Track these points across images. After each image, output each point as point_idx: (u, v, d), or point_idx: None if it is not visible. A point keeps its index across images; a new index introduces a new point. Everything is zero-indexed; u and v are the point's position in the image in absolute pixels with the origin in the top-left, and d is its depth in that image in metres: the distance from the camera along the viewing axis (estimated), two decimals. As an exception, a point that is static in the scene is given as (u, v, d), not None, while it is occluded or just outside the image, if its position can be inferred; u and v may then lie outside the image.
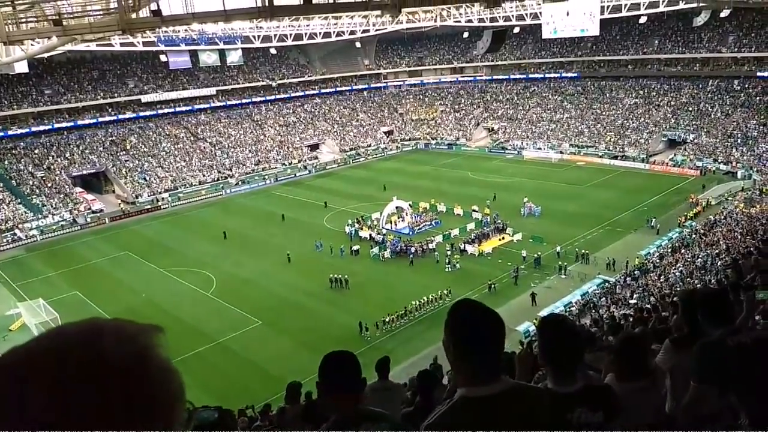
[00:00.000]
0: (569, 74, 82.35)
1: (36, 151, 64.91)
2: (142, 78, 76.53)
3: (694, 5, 55.64)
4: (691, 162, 59.54)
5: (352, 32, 68.67)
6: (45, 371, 0.78)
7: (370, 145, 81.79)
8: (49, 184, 60.87)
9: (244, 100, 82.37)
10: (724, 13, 62.98)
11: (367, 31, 69.34)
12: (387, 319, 30.95)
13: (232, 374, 27.56)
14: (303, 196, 60.41)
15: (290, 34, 65.63)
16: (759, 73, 64.97)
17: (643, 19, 69.95)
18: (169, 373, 0.89)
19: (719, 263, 28.51)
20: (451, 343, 1.93)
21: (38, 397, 0.76)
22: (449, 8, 63.81)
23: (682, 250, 35.66)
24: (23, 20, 19.82)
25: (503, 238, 42.62)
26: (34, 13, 19.43)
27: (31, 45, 32.56)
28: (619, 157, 64.84)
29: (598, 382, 3.35)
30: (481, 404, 1.86)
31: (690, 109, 68.06)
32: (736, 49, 68.05)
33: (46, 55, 48.89)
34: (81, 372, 0.79)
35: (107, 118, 71.17)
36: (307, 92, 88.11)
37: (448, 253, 39.57)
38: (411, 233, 45.14)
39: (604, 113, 74.19)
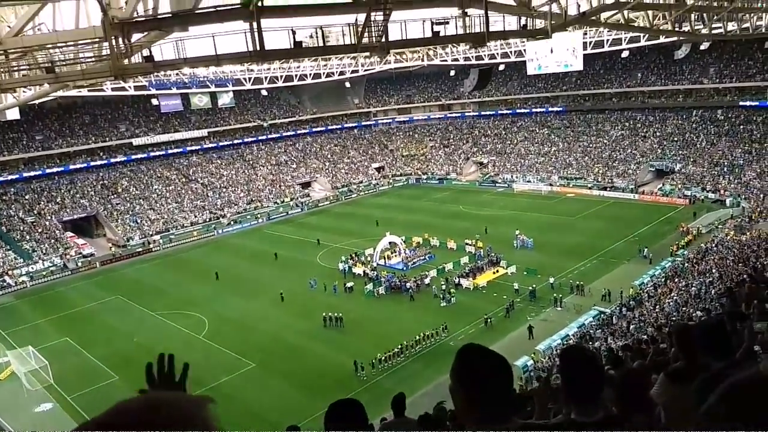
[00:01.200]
0: (555, 108, 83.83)
1: (26, 197, 64.72)
2: (134, 122, 77.10)
3: (674, 39, 57.16)
4: (679, 191, 60.18)
5: (342, 73, 69.88)
6: None
7: (361, 182, 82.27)
8: (40, 230, 60.51)
9: (235, 141, 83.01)
10: (704, 46, 64.79)
11: (357, 71, 70.61)
12: (382, 357, 30.56)
13: (225, 420, 26.86)
14: (296, 234, 60.32)
15: (281, 76, 66.67)
16: (741, 102, 66.39)
17: (625, 54, 71.76)
18: None
19: (713, 291, 28.54)
20: (458, 391, 1.91)
21: None
22: (436, 48, 65.21)
23: (676, 279, 35.68)
24: (15, 68, 19.98)
25: (497, 271, 42.57)
26: (26, 61, 19.60)
27: (23, 92, 32.83)
28: (608, 188, 65.49)
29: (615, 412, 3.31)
30: None
31: (676, 139, 69.20)
32: (717, 80, 69.71)
33: (37, 101, 49.24)
34: None
35: (98, 162, 71.36)
36: (298, 131, 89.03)
37: (443, 287, 39.42)
38: (405, 268, 45.03)
39: (591, 145, 75.25)
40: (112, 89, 57.01)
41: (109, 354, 34.87)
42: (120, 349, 35.58)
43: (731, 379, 3.04)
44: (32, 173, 66.45)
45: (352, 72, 70.71)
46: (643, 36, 58.04)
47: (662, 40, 60.28)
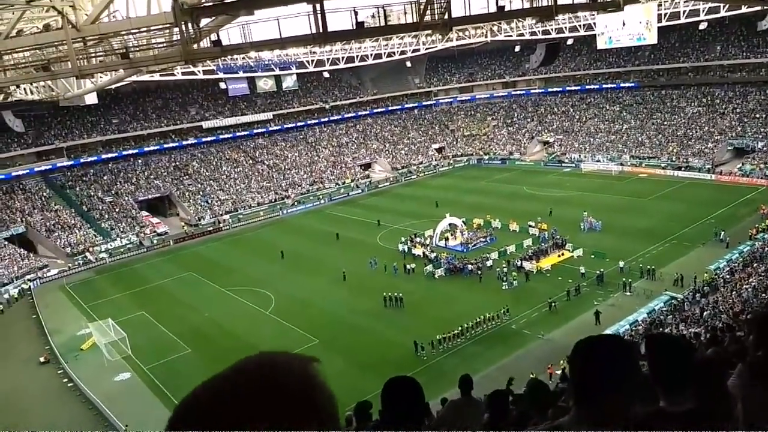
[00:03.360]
0: (627, 84, 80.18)
1: (105, 178, 68.41)
2: (203, 105, 79.70)
3: (758, 8, 53.21)
4: (760, 171, 56.50)
5: (403, 52, 69.29)
6: (237, 408, 0.93)
7: (421, 163, 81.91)
8: (117, 209, 63.91)
9: (299, 123, 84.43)
10: (792, 15, 59.96)
11: (418, 50, 69.81)
12: (442, 338, 30.60)
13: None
14: (356, 215, 60.96)
15: (342, 57, 66.88)
16: (834, 75, 61.33)
17: (703, 25, 67.36)
18: (331, 398, 1.03)
19: (798, 278, 26.84)
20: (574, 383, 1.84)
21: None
22: (500, 24, 63.50)
23: (755, 264, 33.73)
24: (92, 55, 20.95)
25: (563, 254, 41.53)
26: (102, 47, 20.51)
27: (100, 78, 34.49)
28: (683, 168, 62.33)
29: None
30: None
31: (757, 116, 64.81)
32: (806, 51, 64.57)
33: (113, 86, 51.64)
34: (270, 401, 0.94)
35: (171, 145, 74.41)
36: (359, 113, 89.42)
37: (505, 270, 38.89)
38: (465, 250, 44.69)
39: (665, 123, 71.66)
40: (183, 74, 58.89)
41: (182, 328, 36.65)
42: (192, 323, 37.32)
43: None
44: (109, 155, 70.13)
45: (413, 51, 69.95)
46: (723, 6, 54.31)
47: (744, 10, 56.23)
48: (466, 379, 6.05)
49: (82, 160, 68.45)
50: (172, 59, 19.19)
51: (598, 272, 36.58)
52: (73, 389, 31.40)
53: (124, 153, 71.37)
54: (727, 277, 33.25)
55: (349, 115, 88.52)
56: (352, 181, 75.68)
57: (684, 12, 57.12)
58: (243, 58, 62.49)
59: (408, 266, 42.20)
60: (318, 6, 14.68)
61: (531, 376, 19.45)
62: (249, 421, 0.91)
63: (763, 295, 26.69)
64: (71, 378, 32.25)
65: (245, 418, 0.91)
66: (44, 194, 63.72)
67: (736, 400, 3.35)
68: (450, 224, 47.56)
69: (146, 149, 72.69)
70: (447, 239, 46.69)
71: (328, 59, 66.89)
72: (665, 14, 56.75)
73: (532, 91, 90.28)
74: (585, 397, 1.79)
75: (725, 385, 3.30)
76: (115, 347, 34.29)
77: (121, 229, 60.72)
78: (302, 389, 0.98)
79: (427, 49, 70.42)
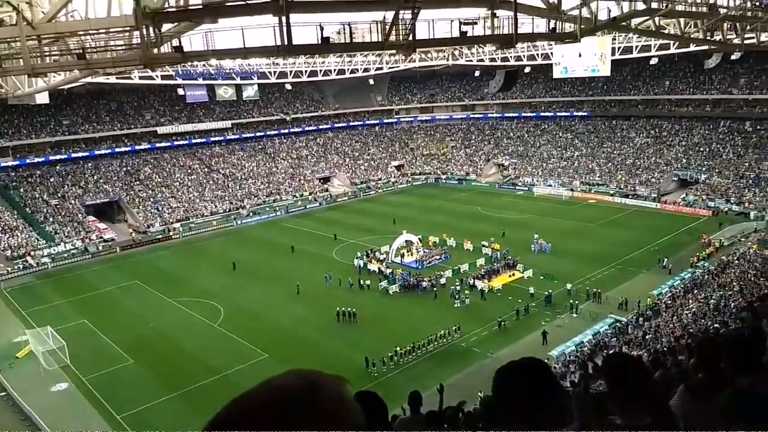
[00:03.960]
0: (580, 113, 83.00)
1: (51, 180, 65.90)
2: (159, 110, 78.02)
3: (705, 48, 56.15)
4: (703, 202, 59.27)
5: (366, 69, 69.84)
6: (277, 422, 0.96)
7: (380, 179, 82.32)
8: (63, 213, 61.57)
9: (258, 133, 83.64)
10: (735, 56, 63.44)
11: (381, 68, 70.50)
12: (393, 355, 30.61)
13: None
14: (313, 228, 60.60)
15: (305, 71, 66.89)
16: (771, 115, 65.05)
17: (654, 61, 70.54)
18: (360, 415, 1.07)
19: (733, 305, 28.09)
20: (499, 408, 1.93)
21: None
22: (462, 48, 64.88)
23: (695, 291, 35.19)
24: (47, 53, 20.34)
25: (513, 274, 42.34)
26: (58, 46, 19.94)
27: (54, 77, 33.42)
28: (630, 196, 64.71)
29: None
30: None
31: (701, 149, 68.12)
32: (747, 91, 68.44)
33: (66, 86, 50.07)
34: (313, 417, 0.97)
35: (123, 149, 72.43)
36: (320, 126, 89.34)
37: (458, 288, 39.32)
38: (420, 267, 45.01)
39: (615, 152, 74.41)
40: (140, 77, 57.65)
41: (124, 338, 35.43)
42: (136, 333, 36.13)
43: (733, 389, 3.00)
44: (58, 157, 67.66)
45: (377, 69, 70.62)
46: (674, 44, 57.10)
47: (693, 48, 59.17)
48: (416, 396, 6.05)
49: (28, 161, 65.85)
50: (131, 63, 18.82)
51: (546, 293, 37.43)
52: (5, 399, 29.83)
53: (74, 155, 69.00)
54: (669, 302, 34.54)
55: (310, 128, 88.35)
56: (310, 194, 75.31)
57: (636, 47, 59.73)
58: (204, 65, 61.66)
59: (363, 281, 42.15)
60: (284, 18, 14.70)
61: (479, 395, 19.64)
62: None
63: (702, 320, 27.84)
64: (4, 387, 30.64)
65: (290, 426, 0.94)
66: (-15, 194, 60.88)
67: (679, 418, 3.51)
68: (406, 241, 47.86)
69: (97, 152, 70.52)
70: (403, 255, 46.95)
71: (290, 71, 66.78)
72: (619, 48, 59.19)
73: (489, 115, 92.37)
74: (509, 419, 1.89)
75: (669, 405, 3.46)
76: (53, 356, 32.80)
77: (66, 234, 58.46)
78: (336, 405, 1.01)
79: (390, 68, 71.23)
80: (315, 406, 0.98)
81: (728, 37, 32.54)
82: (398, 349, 30.99)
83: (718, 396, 2.79)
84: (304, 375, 1.03)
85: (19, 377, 31.68)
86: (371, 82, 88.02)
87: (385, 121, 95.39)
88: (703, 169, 65.00)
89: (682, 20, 28.47)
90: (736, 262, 38.68)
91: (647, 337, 28.62)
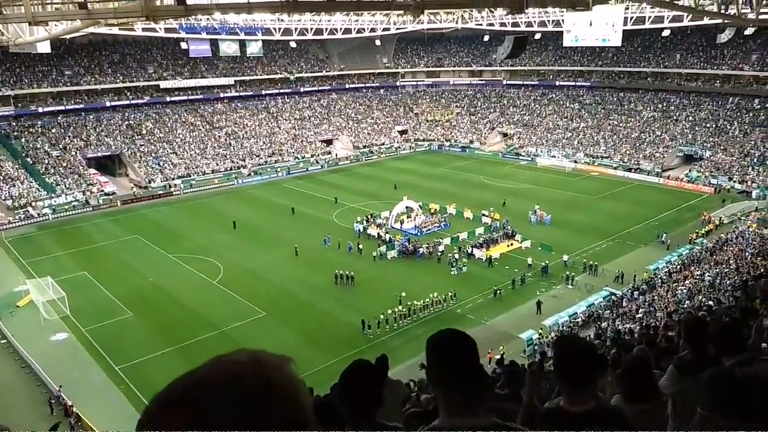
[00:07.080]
0: (588, 83, 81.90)
1: (53, 131, 65.52)
2: (162, 64, 76.99)
3: (719, 21, 55.04)
4: (705, 179, 59.03)
5: (373, 30, 68.66)
6: (229, 398, 0.96)
7: (383, 144, 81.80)
8: (64, 164, 61.44)
9: (261, 92, 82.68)
10: (749, 31, 62.27)
11: (388, 29, 69.32)
12: (389, 318, 30.97)
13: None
14: (314, 191, 60.54)
15: (311, 28, 65.77)
16: (781, 93, 64.21)
17: (666, 32, 69.37)
18: (307, 395, 1.08)
19: (728, 282, 28.29)
20: (431, 369, 2.00)
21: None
22: (471, 11, 63.61)
23: (692, 267, 35.38)
24: (48, 1, 19.98)
25: (512, 244, 42.48)
26: (59, -6, 19.56)
27: (55, 26, 32.88)
28: (633, 170, 64.41)
29: (608, 403, 3.34)
30: None
31: (708, 125, 67.46)
32: (758, 68, 67.33)
33: (68, 36, 49.28)
34: (264, 392, 0.99)
35: (125, 102, 71.75)
36: (323, 87, 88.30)
37: (456, 256, 39.51)
38: (419, 234, 45.13)
39: (621, 125, 73.70)
40: (143, 29, 56.72)
41: (124, 291, 35.81)
42: (135, 287, 36.50)
43: (714, 370, 3.03)
44: (59, 107, 67.05)
45: (383, 30, 69.42)
46: (687, 16, 55.99)
47: (706, 21, 58.12)
48: (382, 360, 6.08)
49: (29, 111, 65.28)
50: (133, 14, 18.45)
51: (543, 264, 37.64)
52: (5, 346, 30.33)
53: (75, 107, 68.37)
54: (665, 277, 34.76)
55: (314, 88, 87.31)
56: (312, 156, 74.97)
57: (649, 17, 58.62)
58: (207, 18, 60.59)
59: (361, 245, 42.32)
60: (290, -26, 14.35)
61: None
62: (242, 417, 0.94)
63: (697, 297, 28.09)
64: (5, 335, 31.13)
65: (239, 414, 0.94)
66: (-14, 142, 60.62)
67: (667, 397, 3.57)
68: (407, 207, 47.85)
69: (99, 105, 69.87)
70: (402, 222, 47.01)
71: (296, 29, 65.69)
72: (631, 18, 58.08)
73: (496, 81, 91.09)
74: (437, 382, 2.03)
75: (652, 383, 3.50)
76: (53, 306, 33.23)
77: (67, 186, 58.47)
78: (287, 383, 1.02)
79: (397, 29, 70.06)
80: (267, 382, 0.99)
81: (743, 11, 31.83)
82: (391, 311, 31.31)
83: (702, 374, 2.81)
84: (252, 353, 1.05)
85: (20, 326, 32.15)
86: (378, 43, 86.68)
87: (390, 84, 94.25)
88: (708, 145, 64.50)
89: (697, -8, 27.82)
90: (735, 240, 38.79)
91: (641, 311, 28.89)
